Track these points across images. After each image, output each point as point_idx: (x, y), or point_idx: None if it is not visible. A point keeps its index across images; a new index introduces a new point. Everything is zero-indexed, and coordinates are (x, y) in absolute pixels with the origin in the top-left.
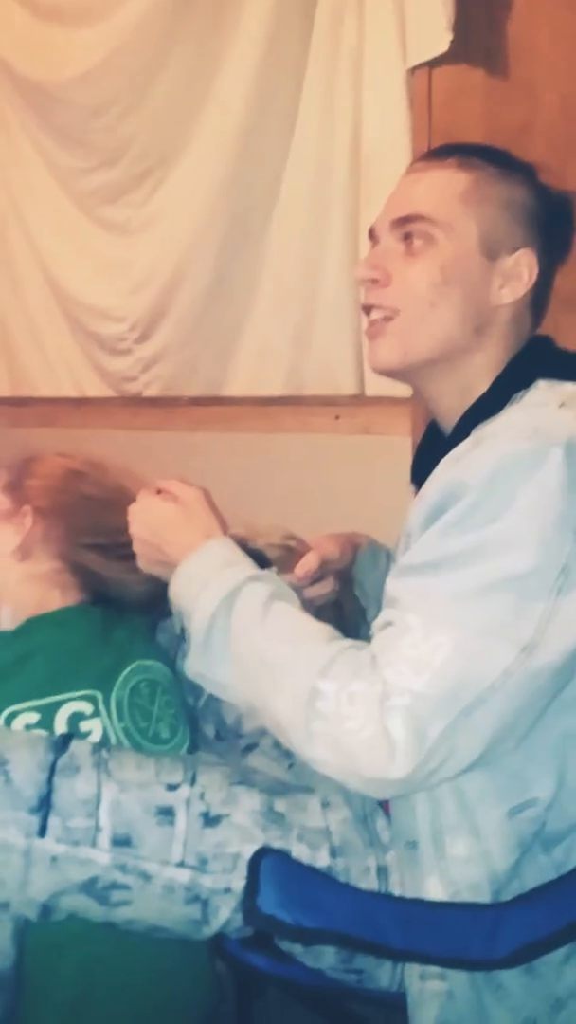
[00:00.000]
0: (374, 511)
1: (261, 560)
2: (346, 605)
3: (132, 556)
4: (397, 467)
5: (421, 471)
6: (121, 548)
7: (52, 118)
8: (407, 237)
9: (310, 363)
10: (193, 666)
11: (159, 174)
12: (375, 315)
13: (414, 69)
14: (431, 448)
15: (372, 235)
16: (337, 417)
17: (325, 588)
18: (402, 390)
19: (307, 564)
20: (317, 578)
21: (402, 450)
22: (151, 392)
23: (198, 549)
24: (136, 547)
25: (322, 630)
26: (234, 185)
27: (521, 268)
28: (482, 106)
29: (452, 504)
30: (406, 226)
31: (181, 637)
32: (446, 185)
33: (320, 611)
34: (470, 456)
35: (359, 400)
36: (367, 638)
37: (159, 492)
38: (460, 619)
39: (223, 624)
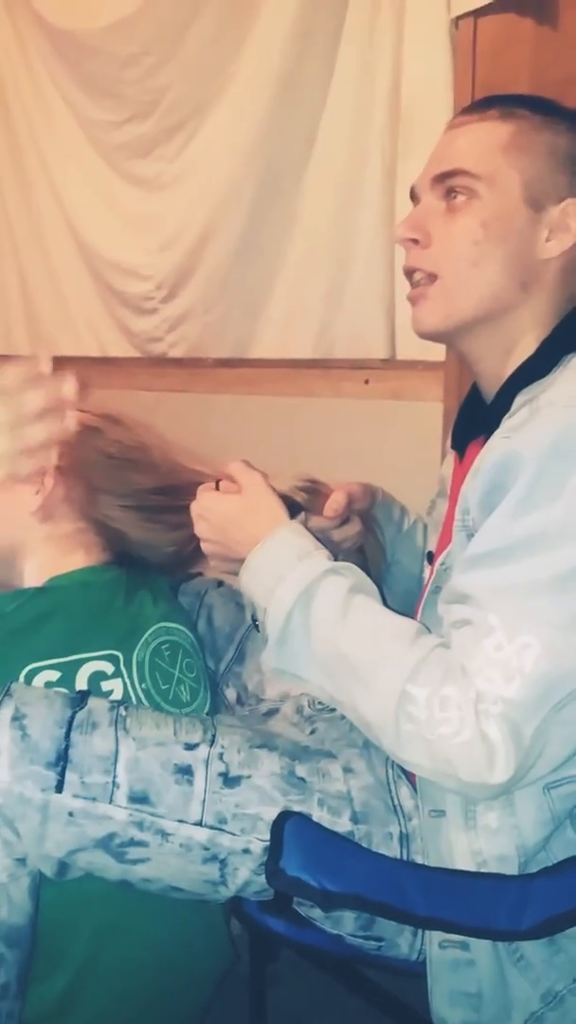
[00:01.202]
0: (404, 478)
1: (292, 506)
2: (369, 549)
3: (156, 515)
4: (428, 433)
5: (462, 437)
6: (145, 507)
7: (83, 69)
8: (448, 194)
9: (340, 325)
10: (270, 662)
11: (191, 127)
12: (417, 277)
13: (458, 19)
14: (473, 413)
15: (413, 195)
16: (367, 381)
17: (352, 529)
18: (435, 354)
19: (336, 502)
20: (344, 520)
21: (433, 416)
22: (176, 353)
23: (266, 540)
24: (205, 548)
25: (406, 626)
26: (268, 139)
27: (568, 219)
28: (529, 57)
29: (510, 480)
30: (446, 182)
31: (255, 627)
32: (487, 137)
33: (345, 556)
34: (527, 427)
35: (390, 364)
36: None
37: (217, 485)
38: (540, 615)
39: (301, 620)
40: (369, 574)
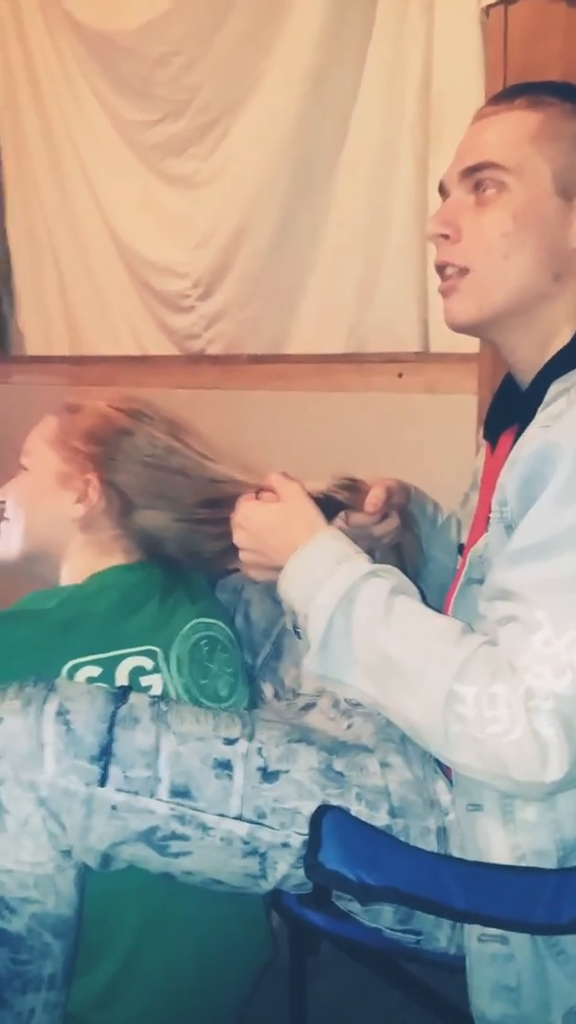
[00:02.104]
0: (438, 472)
1: (333, 503)
2: (406, 546)
3: (196, 526)
4: (463, 427)
5: (495, 427)
6: (184, 519)
7: (116, 70)
8: (477, 187)
9: (373, 319)
10: (312, 667)
11: (224, 125)
12: (448, 271)
13: (489, 7)
14: (506, 403)
15: (442, 189)
16: (400, 375)
17: (391, 525)
18: (469, 346)
19: (376, 497)
20: (383, 516)
21: (468, 409)
22: (213, 350)
23: (305, 547)
24: (243, 558)
25: (451, 626)
26: (300, 134)
27: None
28: (562, 44)
29: (550, 471)
30: (475, 175)
31: (295, 635)
32: (514, 127)
33: (384, 554)
34: (566, 417)
35: (423, 357)
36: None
37: (257, 495)
38: None
39: (343, 624)
40: (405, 571)
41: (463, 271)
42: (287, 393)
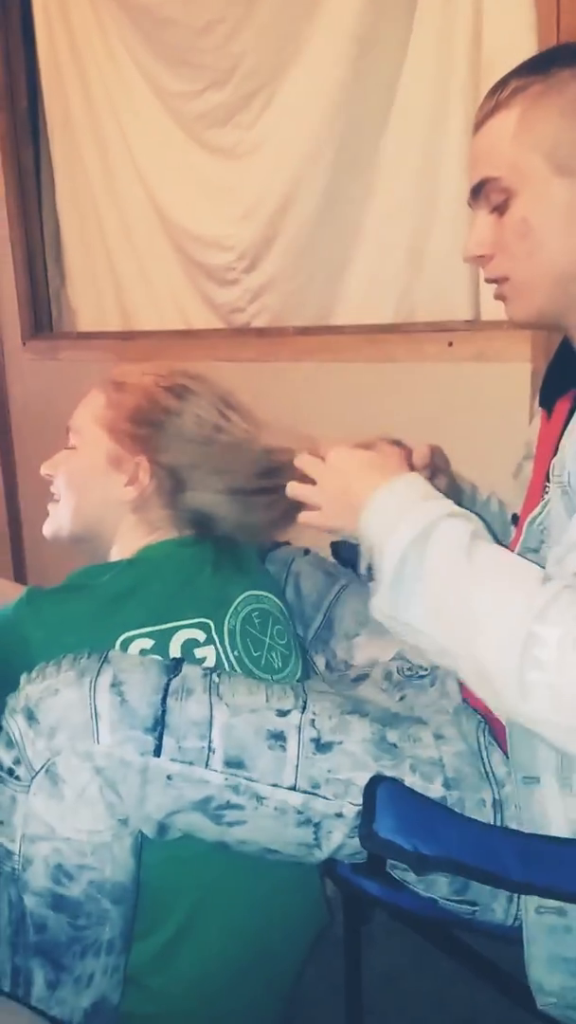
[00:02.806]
0: (489, 443)
1: None
2: None
3: (246, 498)
4: (515, 396)
5: (551, 393)
6: (235, 493)
7: (159, 40)
8: (488, 201)
9: (422, 287)
10: (381, 607)
11: (269, 92)
12: (492, 280)
13: None
14: (563, 369)
15: (470, 203)
16: (450, 344)
17: (441, 483)
18: None
19: (422, 453)
20: (432, 475)
21: (520, 378)
22: (259, 323)
23: (394, 481)
24: (307, 516)
25: (531, 570)
26: (346, 99)
27: None
28: None
29: None
30: (481, 193)
31: (369, 576)
32: (495, 134)
33: None
34: None
35: (474, 325)
36: None
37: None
38: None
39: (417, 560)
40: None
41: (504, 279)
42: (334, 365)
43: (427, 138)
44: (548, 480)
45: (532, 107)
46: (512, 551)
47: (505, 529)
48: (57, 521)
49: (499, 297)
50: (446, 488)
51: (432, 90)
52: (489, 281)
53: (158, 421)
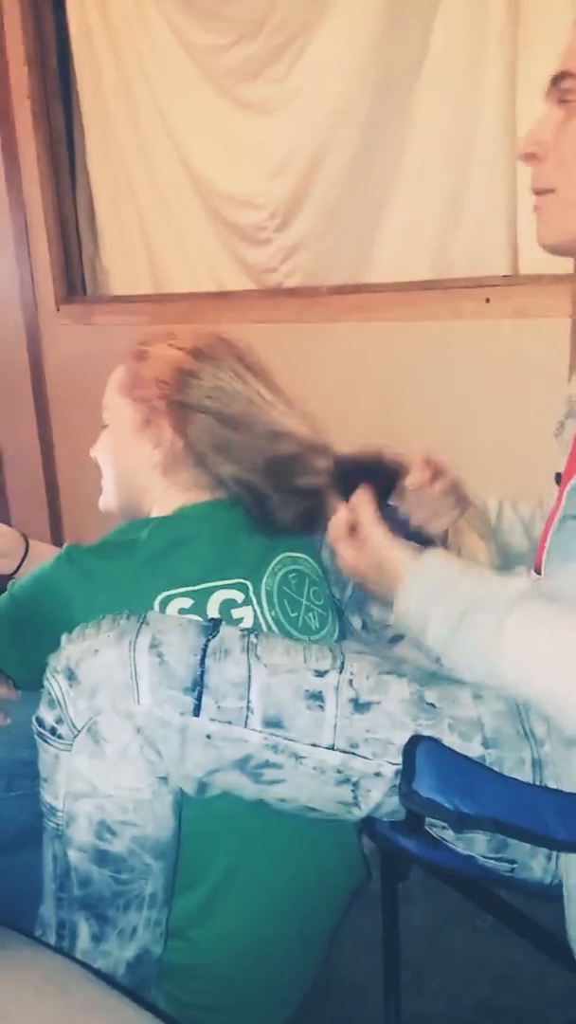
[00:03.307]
0: (529, 400)
1: (387, 470)
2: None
3: (260, 472)
4: (555, 352)
5: None
6: (246, 466)
7: None
8: (564, 99)
9: (459, 242)
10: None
11: (300, 44)
12: (537, 190)
13: None
14: None
15: (545, 97)
16: (488, 300)
17: (447, 480)
18: (561, 267)
19: (415, 462)
20: (431, 481)
21: (560, 333)
22: (292, 283)
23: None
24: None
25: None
26: (378, 51)
27: None
28: None
29: None
30: (559, 85)
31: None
32: None
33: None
34: None
35: (512, 280)
36: None
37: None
38: None
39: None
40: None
41: (548, 191)
42: (369, 324)
43: (463, 88)
44: None
45: None
46: (553, 516)
47: (528, 531)
48: (106, 496)
49: (536, 211)
50: (449, 489)
51: (467, 37)
52: (534, 191)
53: (177, 383)
